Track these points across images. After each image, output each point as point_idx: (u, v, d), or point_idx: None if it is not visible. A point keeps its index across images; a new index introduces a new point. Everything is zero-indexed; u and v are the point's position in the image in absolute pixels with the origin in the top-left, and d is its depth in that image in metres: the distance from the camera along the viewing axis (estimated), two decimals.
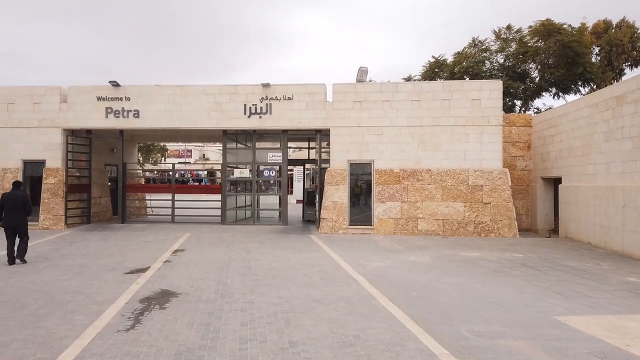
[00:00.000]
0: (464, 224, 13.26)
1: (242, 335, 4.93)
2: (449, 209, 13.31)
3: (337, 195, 13.61)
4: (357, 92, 13.78)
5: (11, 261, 8.77)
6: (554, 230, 14.27)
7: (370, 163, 13.74)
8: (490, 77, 19.42)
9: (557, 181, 14.09)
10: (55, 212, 14.03)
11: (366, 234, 13.44)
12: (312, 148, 18.31)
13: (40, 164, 14.43)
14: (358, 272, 8.23)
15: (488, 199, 13.24)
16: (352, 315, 5.64)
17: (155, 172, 30.55)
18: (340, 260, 9.32)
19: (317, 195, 15.00)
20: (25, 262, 8.90)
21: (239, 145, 15.89)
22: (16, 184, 9.69)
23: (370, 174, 13.76)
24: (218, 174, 52.14)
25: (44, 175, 14.23)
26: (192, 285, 7.16)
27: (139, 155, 32.33)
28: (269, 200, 17.59)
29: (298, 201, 26.40)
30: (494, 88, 13.47)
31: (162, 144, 41.45)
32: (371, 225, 13.62)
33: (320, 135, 14.31)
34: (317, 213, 14.90)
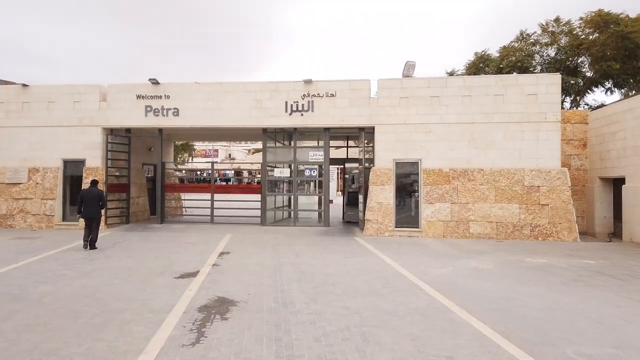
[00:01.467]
0: (519, 227, 12.47)
1: (319, 353, 4.42)
2: (503, 210, 12.55)
3: (382, 196, 13.01)
4: (403, 88, 13.15)
5: (86, 246, 10.34)
6: (614, 234, 13.32)
7: (418, 162, 13.09)
8: (541, 71, 18.51)
9: (617, 181, 13.15)
10: None
11: (413, 236, 12.81)
12: (351, 147, 17.78)
13: (80, 163, 14.30)
14: (421, 279, 7.63)
15: (545, 201, 12.42)
16: (434, 331, 5.07)
17: (187, 171, 30.57)
18: (397, 266, 8.74)
19: (359, 196, 14.44)
20: (95, 248, 10.44)
21: (277, 144, 15.45)
22: (93, 182, 10.94)
23: (418, 173, 13.11)
24: (245, 174, 51.99)
25: (84, 175, 14.09)
26: (248, 292, 6.71)
27: None
28: (308, 201, 17.13)
29: (330, 201, 25.95)
30: (551, 82, 12.63)
31: (192, 143, 41.50)
32: (418, 227, 12.97)
33: (364, 134, 13.73)
34: (359, 214, 14.34)
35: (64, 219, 14.35)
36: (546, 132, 12.59)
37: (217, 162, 25.74)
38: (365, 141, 14.03)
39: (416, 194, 13.14)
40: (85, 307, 5.92)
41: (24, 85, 14.51)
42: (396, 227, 13.01)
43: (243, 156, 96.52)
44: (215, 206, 15.36)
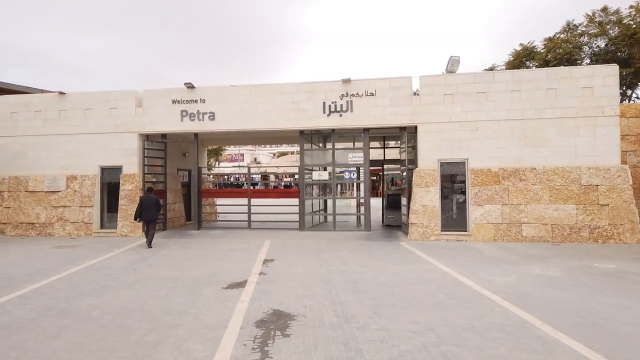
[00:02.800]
0: (576, 229, 11.66)
1: None
2: (558, 212, 11.77)
3: (427, 198, 12.41)
4: (447, 84, 12.53)
5: (149, 245, 11.70)
6: None
7: (464, 162, 12.43)
8: (591, 64, 17.54)
9: None
10: (132, 219, 13.69)
11: (461, 240, 12.15)
12: (389, 147, 17.22)
13: (117, 170, 14.19)
14: (486, 288, 7.03)
15: (605, 200, 11.58)
16: (524, 352, 4.50)
17: (217, 176, 30.52)
18: (455, 274, 8.15)
19: (402, 198, 13.87)
20: (151, 247, 11.66)
21: (314, 146, 15.01)
22: (149, 190, 12.32)
23: (465, 174, 12.45)
24: (272, 177, 51.83)
25: (121, 182, 13.97)
26: (304, 304, 6.25)
27: None
28: (340, 203, 16.64)
29: (361, 204, 25.36)
30: (608, 74, 11.80)
31: (224, 147, 41.39)
32: (466, 231, 12.31)
33: (406, 133, 13.16)
34: (403, 217, 13.76)
35: (102, 226, 14.26)
36: (604, 127, 11.76)
37: (252, 166, 25.42)
38: (407, 141, 13.44)
39: (463, 195, 12.49)
40: (136, 322, 5.57)
41: (61, 93, 14.52)
42: (442, 230, 12.38)
43: (268, 160, 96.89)
44: (252, 211, 15.00)
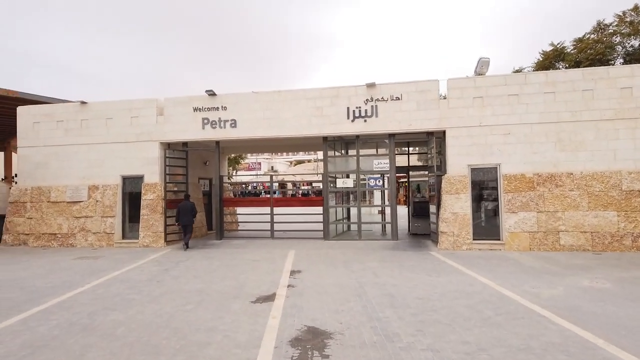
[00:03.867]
0: (618, 237, 11.03)
1: None
2: (598, 219, 11.15)
3: (457, 205, 11.91)
4: (476, 87, 12.06)
5: (185, 247, 12.79)
6: None
7: (496, 167, 11.92)
8: (624, 64, 16.87)
9: None
10: (154, 228, 13.50)
11: (495, 249, 11.60)
12: (413, 153, 16.75)
13: (139, 179, 14.02)
14: (534, 303, 6.52)
15: None
16: None
17: (236, 185, 30.34)
18: (496, 286, 7.65)
19: (431, 206, 13.39)
20: (188, 247, 12.84)
21: (336, 153, 14.64)
22: (186, 197, 13.41)
23: (496, 180, 11.93)
24: (289, 185, 51.39)
25: (142, 191, 13.78)
26: (340, 321, 5.84)
27: None
28: (368, 212, 16.21)
29: (379, 212, 24.85)
30: None
31: (244, 155, 41.24)
32: (499, 239, 11.76)
33: (434, 139, 12.70)
34: (432, 226, 13.27)
35: (123, 236, 14.07)
36: None
37: (275, 174, 25.14)
38: (435, 146, 12.98)
39: (495, 202, 11.96)
40: (163, 339, 5.23)
41: (83, 102, 14.46)
42: (474, 239, 11.85)
43: (285, 168, 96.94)
44: (272, 220, 14.67)
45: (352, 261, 10.41)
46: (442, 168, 12.72)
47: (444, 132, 12.44)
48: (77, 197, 14.22)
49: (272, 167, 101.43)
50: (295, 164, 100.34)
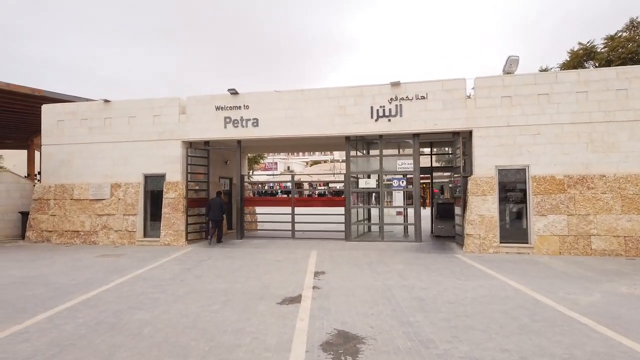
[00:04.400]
0: None
1: None
2: (632, 223, 10.74)
3: (484, 207, 11.60)
4: (505, 86, 11.75)
5: (210, 242, 13.53)
6: None
7: (525, 169, 11.58)
8: None
9: None
10: (176, 227, 13.48)
11: (523, 253, 11.27)
12: (436, 154, 16.46)
13: (161, 177, 14.03)
14: (572, 309, 6.24)
15: None
16: None
17: (255, 185, 30.35)
18: (529, 291, 7.36)
19: (456, 208, 13.11)
20: (221, 242, 13.67)
21: (358, 153, 14.43)
22: (218, 194, 14.15)
23: (525, 181, 11.59)
24: (306, 185, 51.22)
25: (164, 190, 13.78)
26: (370, 325, 5.65)
27: None
28: (387, 212, 15.96)
29: (399, 213, 24.50)
30: None
31: (265, 155, 41.25)
32: (527, 243, 11.42)
33: (460, 139, 12.40)
34: (457, 228, 12.98)
35: (145, 234, 14.10)
36: None
37: (297, 174, 25.04)
38: (462, 147, 12.67)
39: (523, 204, 11.62)
40: (191, 341, 5.12)
41: (106, 100, 14.53)
42: (501, 242, 11.53)
43: (301, 168, 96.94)
44: (290, 220, 14.52)
45: (377, 263, 10.21)
46: (468, 169, 12.41)
47: (470, 132, 12.15)
48: (99, 194, 14.29)
49: (289, 167, 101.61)
50: (312, 165, 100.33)
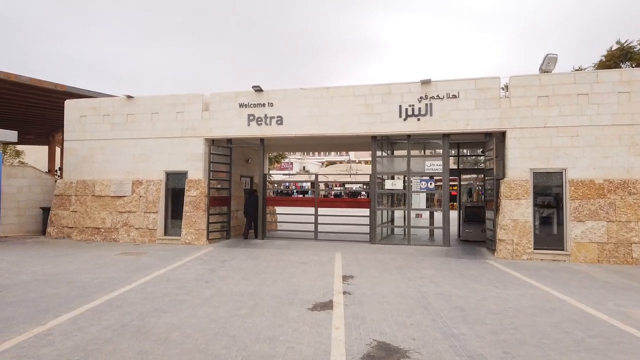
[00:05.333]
0: None
1: None
2: None
3: (517, 212, 11.11)
4: (542, 85, 11.23)
5: (245, 237, 14.26)
6: None
7: (561, 172, 11.06)
8: None
9: None
10: (197, 226, 13.24)
11: (559, 260, 10.75)
12: (463, 155, 15.96)
13: (182, 175, 13.82)
14: (628, 324, 5.77)
15: None
16: None
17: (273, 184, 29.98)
18: (575, 302, 6.90)
19: (487, 212, 12.62)
20: (256, 237, 14.20)
21: (383, 153, 14.01)
22: (254, 191, 14.83)
23: (561, 185, 11.07)
24: (322, 186, 50.91)
25: (186, 187, 13.57)
26: (411, 336, 5.27)
27: None
28: (399, 214, 15.54)
29: (419, 216, 24.00)
30: None
31: (280, 153, 40.90)
32: (563, 250, 10.90)
33: (494, 140, 11.90)
34: (488, 232, 12.50)
35: (165, 233, 13.90)
36: None
37: (321, 174, 24.69)
38: (495, 148, 12.16)
39: (559, 209, 11.10)
40: (223, 349, 4.80)
41: (129, 96, 14.38)
42: (535, 248, 11.03)
43: (317, 168, 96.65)
44: (312, 221, 14.17)
45: (406, 267, 9.80)
46: (500, 171, 11.92)
47: (503, 133, 11.67)
48: (121, 191, 14.14)
49: (304, 167, 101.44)
50: (327, 165, 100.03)
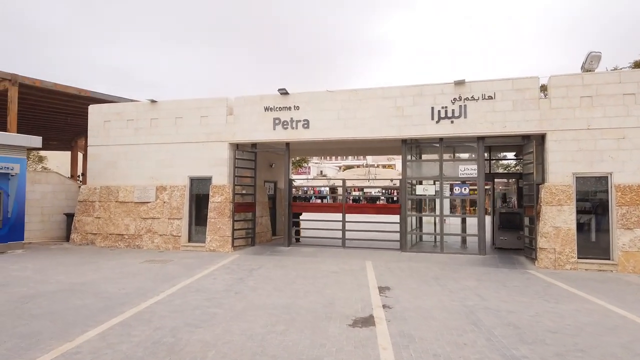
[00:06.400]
0: None
1: None
2: None
3: (560, 218, 10.50)
4: (585, 85, 10.63)
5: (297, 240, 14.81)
6: None
7: (607, 177, 10.42)
8: None
9: None
10: (222, 232, 12.92)
11: (605, 270, 10.10)
12: (496, 159, 15.35)
13: (207, 180, 13.53)
14: None
15: None
16: None
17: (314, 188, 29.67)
18: (639, 319, 6.32)
19: (525, 218, 12.02)
20: (299, 240, 14.81)
21: (412, 157, 13.49)
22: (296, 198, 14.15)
23: (607, 191, 10.43)
24: (339, 190, 50.42)
25: (210, 193, 13.26)
26: (469, 359, 4.79)
27: None
28: (431, 221, 14.97)
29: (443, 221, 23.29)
30: None
31: (304, 158, 40.62)
32: (610, 259, 10.25)
33: (534, 143, 11.30)
34: (525, 240, 11.89)
35: (189, 239, 13.61)
36: None
37: (348, 179, 24.26)
38: (535, 152, 11.54)
39: (604, 216, 10.46)
40: None
41: (153, 101, 14.18)
42: (578, 257, 10.40)
43: (334, 173, 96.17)
44: (338, 227, 13.72)
45: (444, 278, 9.28)
46: (539, 176, 11.32)
47: (542, 136, 11.09)
48: (144, 197, 13.92)
49: (321, 171, 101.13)
50: (344, 169, 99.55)
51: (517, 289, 8.32)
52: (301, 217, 16.85)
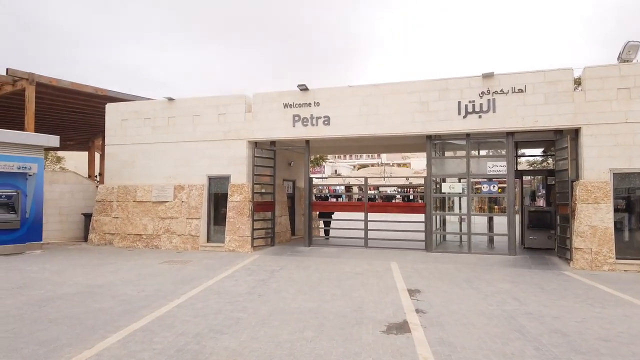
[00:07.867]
0: None
1: None
2: None
3: (596, 217, 9.95)
4: (622, 76, 10.06)
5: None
6: None
7: None
8: None
9: None
10: (241, 232, 12.62)
11: None
12: (523, 156, 14.78)
13: (225, 179, 13.25)
14: None
15: None
16: None
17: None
18: None
19: (558, 217, 11.48)
20: (328, 238, 14.87)
21: (436, 154, 13.01)
22: (326, 197, 14.63)
23: None
24: (355, 189, 49.92)
25: (229, 192, 12.98)
26: None
27: None
28: (450, 219, 14.50)
29: (461, 220, 22.71)
30: None
31: (322, 156, 40.18)
32: None
33: (568, 138, 10.74)
34: (558, 239, 11.35)
35: (208, 239, 13.36)
36: None
37: (370, 177, 23.90)
38: (569, 147, 10.98)
39: None
40: None
41: (170, 99, 13.95)
42: (617, 258, 9.84)
43: (348, 171, 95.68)
44: (358, 227, 13.33)
45: (475, 280, 8.83)
46: (573, 172, 10.78)
47: (576, 130, 10.55)
48: (162, 197, 13.70)
49: (336, 170, 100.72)
50: (359, 168, 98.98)
51: (555, 292, 7.84)
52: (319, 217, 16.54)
